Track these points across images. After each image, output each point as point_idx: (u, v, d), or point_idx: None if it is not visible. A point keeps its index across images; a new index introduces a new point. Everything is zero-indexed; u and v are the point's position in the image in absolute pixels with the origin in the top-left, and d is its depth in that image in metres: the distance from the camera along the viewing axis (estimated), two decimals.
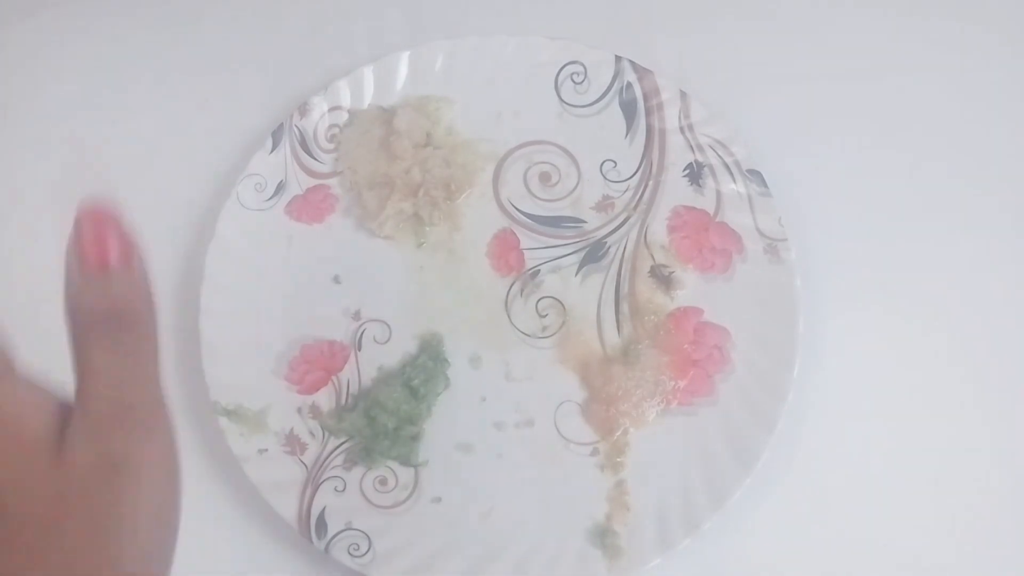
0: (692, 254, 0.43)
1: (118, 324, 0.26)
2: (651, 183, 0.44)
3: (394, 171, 0.44)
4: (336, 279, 0.44)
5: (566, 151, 0.45)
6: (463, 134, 0.45)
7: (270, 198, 0.45)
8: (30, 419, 0.24)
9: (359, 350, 0.43)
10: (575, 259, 0.44)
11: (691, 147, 0.44)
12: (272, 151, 0.45)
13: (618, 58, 0.45)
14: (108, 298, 0.26)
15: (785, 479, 0.40)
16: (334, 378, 0.42)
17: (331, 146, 0.45)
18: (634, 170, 0.45)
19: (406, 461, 0.41)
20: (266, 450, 0.41)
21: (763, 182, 0.43)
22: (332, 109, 0.45)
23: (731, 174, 0.44)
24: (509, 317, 0.43)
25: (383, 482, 0.41)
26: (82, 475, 0.24)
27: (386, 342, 0.43)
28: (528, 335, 0.43)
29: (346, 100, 0.46)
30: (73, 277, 0.26)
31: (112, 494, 0.25)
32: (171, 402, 0.26)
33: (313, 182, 0.45)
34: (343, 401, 0.42)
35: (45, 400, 0.25)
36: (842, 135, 0.45)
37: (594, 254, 0.44)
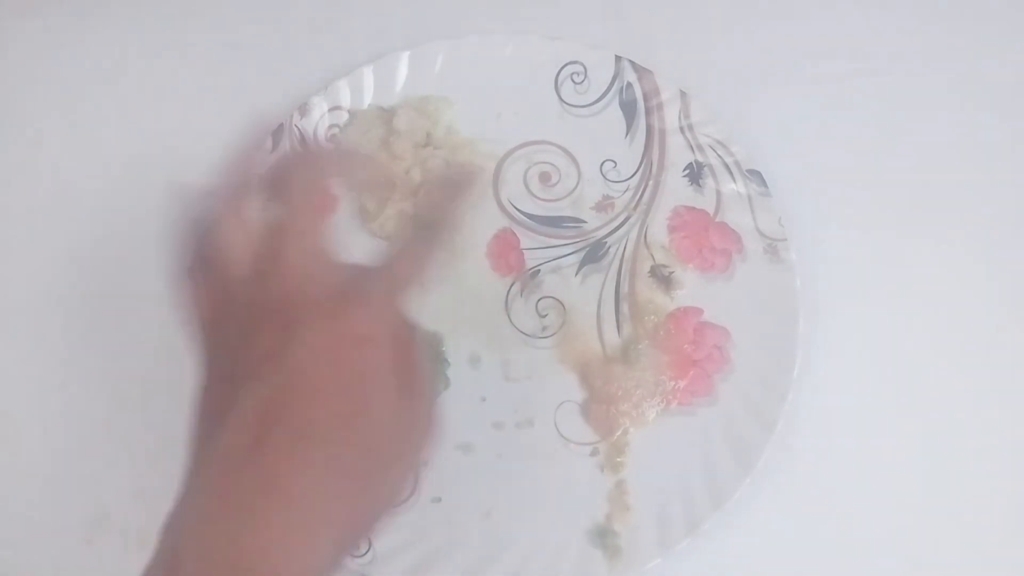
0: (692, 254, 0.43)
1: None
2: (651, 183, 0.44)
3: (394, 171, 0.44)
4: None
5: (566, 151, 0.45)
6: (463, 134, 0.45)
7: None
8: None
9: None
10: (575, 259, 0.44)
11: (691, 147, 0.44)
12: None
13: (618, 58, 0.45)
14: None
15: (785, 479, 0.40)
16: None
17: (331, 146, 0.45)
18: (634, 170, 0.45)
19: None
20: None
21: (763, 182, 0.43)
22: (332, 109, 0.45)
23: (731, 174, 0.44)
24: (509, 317, 0.43)
25: None
26: None
27: None
28: (528, 335, 0.43)
29: (346, 100, 0.46)
30: None
31: None
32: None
33: None
34: None
35: None
36: (842, 135, 0.45)
37: (594, 254, 0.44)
